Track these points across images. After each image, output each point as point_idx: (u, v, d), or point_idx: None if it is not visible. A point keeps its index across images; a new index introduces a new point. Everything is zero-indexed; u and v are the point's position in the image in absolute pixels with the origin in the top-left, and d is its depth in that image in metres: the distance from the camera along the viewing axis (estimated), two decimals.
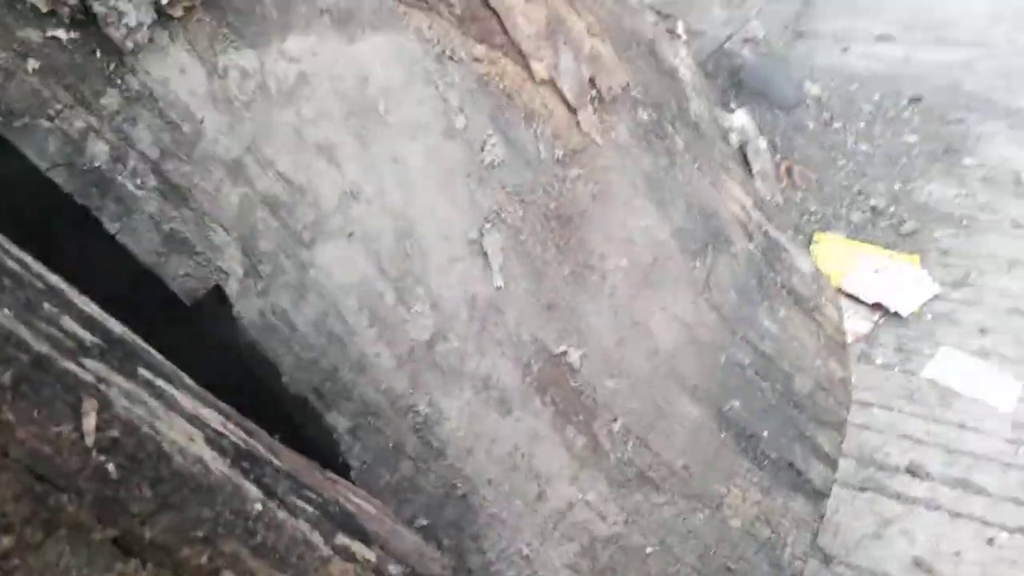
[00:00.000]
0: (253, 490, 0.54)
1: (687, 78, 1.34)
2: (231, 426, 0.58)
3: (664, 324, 1.11)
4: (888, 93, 2.89)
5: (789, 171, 2.45)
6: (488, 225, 0.98)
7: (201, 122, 0.83)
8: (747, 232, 1.24)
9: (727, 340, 1.15)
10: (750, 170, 1.39)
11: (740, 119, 1.44)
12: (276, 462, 0.60)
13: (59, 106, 0.78)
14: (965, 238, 2.17)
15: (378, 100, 0.92)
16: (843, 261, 2.11)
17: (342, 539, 0.59)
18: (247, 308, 0.88)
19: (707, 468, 1.11)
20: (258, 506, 0.53)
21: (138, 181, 0.82)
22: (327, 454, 0.94)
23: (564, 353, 1.03)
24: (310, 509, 0.59)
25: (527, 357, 1.01)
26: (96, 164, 0.80)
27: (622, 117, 1.12)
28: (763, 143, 1.49)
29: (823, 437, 1.21)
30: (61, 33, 0.77)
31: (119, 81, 0.80)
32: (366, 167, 0.91)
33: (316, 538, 0.57)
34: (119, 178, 0.81)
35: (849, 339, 1.91)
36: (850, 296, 2.01)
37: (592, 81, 1.09)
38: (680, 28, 1.46)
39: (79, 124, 0.79)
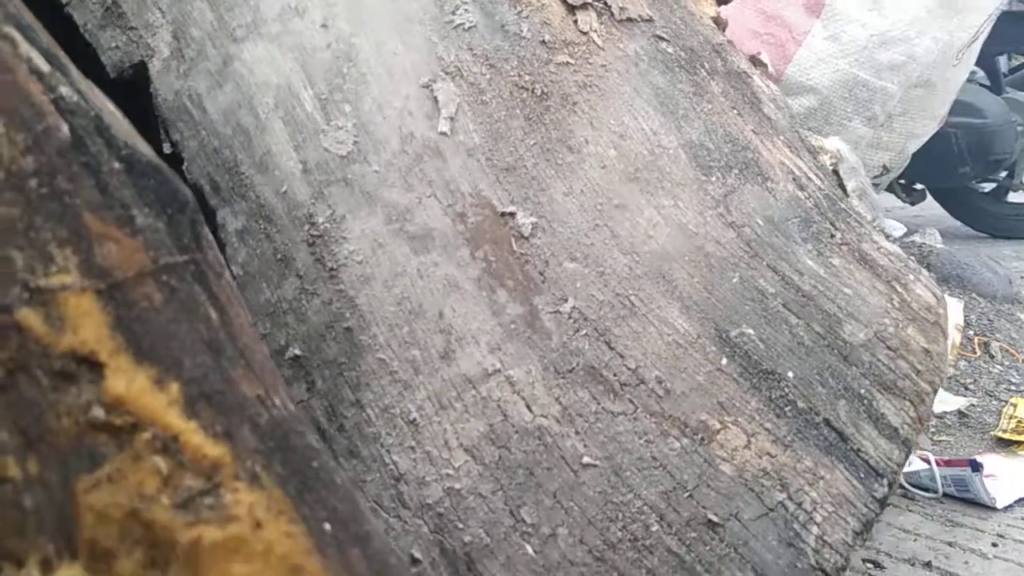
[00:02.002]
0: None
1: (763, 89, 1.24)
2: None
3: (656, 224, 0.92)
4: None
5: (986, 345, 2.06)
6: (444, 75, 0.92)
7: None
8: (797, 182, 1.03)
9: (744, 262, 0.92)
10: (844, 189, 1.20)
11: (835, 144, 1.26)
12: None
13: None
14: None
15: None
16: None
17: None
18: (165, 87, 0.88)
19: (693, 391, 0.83)
20: None
21: None
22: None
23: (511, 214, 0.88)
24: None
25: (463, 207, 0.87)
26: None
27: (635, 38, 1.05)
28: (859, 162, 1.29)
29: (887, 405, 0.86)
30: None
31: None
32: None
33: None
34: None
35: None
36: None
37: None
38: (764, 57, 1.39)
39: None
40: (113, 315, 0.46)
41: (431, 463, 0.77)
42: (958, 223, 3.46)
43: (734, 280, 0.90)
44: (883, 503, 0.81)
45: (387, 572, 0.48)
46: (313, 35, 0.89)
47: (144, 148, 0.55)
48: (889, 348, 0.89)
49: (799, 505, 0.79)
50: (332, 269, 0.82)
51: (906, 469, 1.48)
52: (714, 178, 0.97)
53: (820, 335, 0.89)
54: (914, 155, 2.41)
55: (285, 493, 0.46)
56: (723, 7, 1.57)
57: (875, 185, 2.11)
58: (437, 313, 0.82)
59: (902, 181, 3.05)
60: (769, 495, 0.79)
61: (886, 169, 2.04)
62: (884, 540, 1.34)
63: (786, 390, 0.85)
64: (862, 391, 0.86)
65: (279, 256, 0.83)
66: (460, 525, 0.75)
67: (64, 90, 0.52)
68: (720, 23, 1.52)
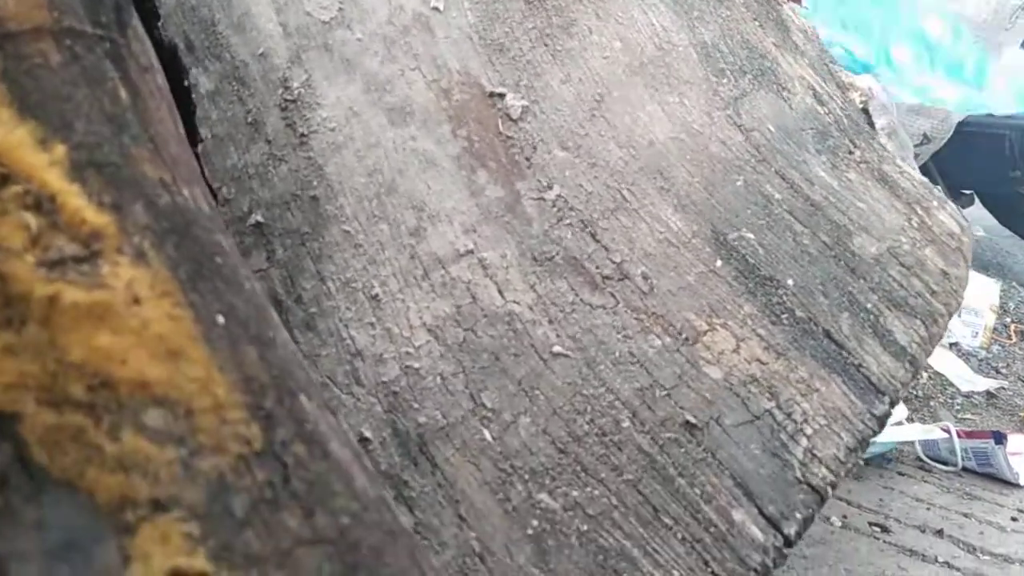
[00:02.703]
0: None
1: (793, 18, 1.16)
2: None
3: (658, 119, 0.85)
4: None
5: (1023, 332, 1.95)
6: None
7: None
8: (817, 97, 0.96)
9: (751, 165, 0.85)
10: (872, 124, 1.12)
11: (866, 81, 1.19)
12: None
13: None
14: None
15: None
16: None
17: None
18: None
19: (681, 290, 0.77)
20: None
21: None
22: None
23: (500, 95, 0.82)
24: None
25: (449, 83, 0.82)
26: None
27: None
28: (891, 101, 1.20)
29: (896, 322, 0.79)
30: None
31: None
32: None
33: None
34: None
35: None
36: None
37: None
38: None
39: None
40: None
41: (390, 340, 0.71)
42: (1007, 232, 3.31)
43: (738, 183, 0.84)
44: (882, 421, 0.74)
45: (287, 380, 0.42)
46: None
47: None
48: (903, 265, 0.82)
49: (788, 415, 0.72)
50: (303, 135, 0.77)
51: (924, 437, 1.39)
52: (725, 80, 0.90)
53: (827, 245, 0.82)
54: (964, 158, 2.29)
55: (174, 276, 0.41)
56: None
57: (915, 155, 2.01)
58: (411, 189, 0.76)
59: (951, 185, 2.92)
60: (756, 402, 0.72)
61: (927, 138, 1.93)
62: (895, 507, 1.26)
63: (784, 298, 0.78)
64: (869, 305, 0.79)
65: (249, 120, 0.78)
66: (415, 405, 0.69)
67: None
68: None
